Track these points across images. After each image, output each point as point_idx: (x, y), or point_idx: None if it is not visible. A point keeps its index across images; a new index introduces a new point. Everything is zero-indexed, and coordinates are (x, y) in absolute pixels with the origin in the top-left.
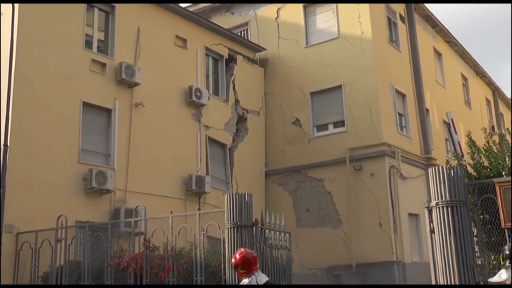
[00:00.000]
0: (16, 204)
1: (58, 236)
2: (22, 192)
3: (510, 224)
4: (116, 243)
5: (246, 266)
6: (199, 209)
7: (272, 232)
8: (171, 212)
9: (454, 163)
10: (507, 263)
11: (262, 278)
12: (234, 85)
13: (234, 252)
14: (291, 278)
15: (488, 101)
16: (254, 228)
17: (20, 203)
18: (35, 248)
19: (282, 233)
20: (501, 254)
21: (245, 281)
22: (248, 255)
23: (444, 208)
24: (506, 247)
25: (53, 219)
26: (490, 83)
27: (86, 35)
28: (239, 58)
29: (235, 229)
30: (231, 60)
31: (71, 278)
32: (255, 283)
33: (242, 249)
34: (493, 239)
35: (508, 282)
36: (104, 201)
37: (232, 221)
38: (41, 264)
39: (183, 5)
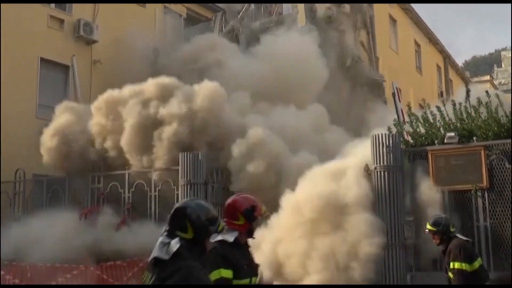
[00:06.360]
0: None
1: (16, 189)
2: None
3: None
4: (73, 197)
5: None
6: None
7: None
8: (127, 168)
9: (395, 131)
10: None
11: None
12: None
13: None
14: None
15: (439, 67)
16: (206, 185)
17: None
18: None
19: None
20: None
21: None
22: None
23: (381, 172)
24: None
25: (11, 173)
26: (442, 50)
27: None
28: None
29: (188, 186)
30: (189, 19)
31: None
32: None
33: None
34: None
35: None
36: None
37: (185, 178)
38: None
39: None
